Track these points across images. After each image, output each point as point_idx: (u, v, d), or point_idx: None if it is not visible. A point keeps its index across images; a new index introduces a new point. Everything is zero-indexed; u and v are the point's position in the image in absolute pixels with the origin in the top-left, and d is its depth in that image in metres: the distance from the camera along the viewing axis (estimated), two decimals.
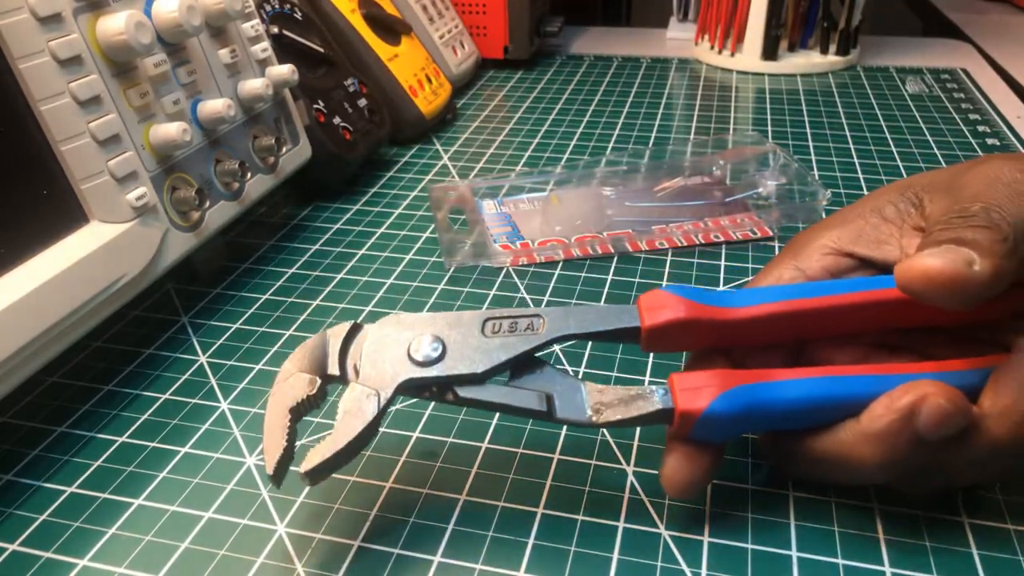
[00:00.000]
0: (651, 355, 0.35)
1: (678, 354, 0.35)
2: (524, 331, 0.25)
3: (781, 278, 0.28)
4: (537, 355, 0.25)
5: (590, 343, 0.35)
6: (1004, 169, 0.24)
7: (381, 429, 0.31)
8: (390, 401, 0.24)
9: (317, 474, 0.24)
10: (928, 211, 0.26)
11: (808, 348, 0.27)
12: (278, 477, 0.24)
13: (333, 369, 0.25)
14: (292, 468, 0.24)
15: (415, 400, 0.32)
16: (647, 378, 0.33)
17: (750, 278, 0.40)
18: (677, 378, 0.24)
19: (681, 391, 0.24)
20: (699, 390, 0.24)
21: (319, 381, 0.25)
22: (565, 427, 0.30)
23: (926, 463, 0.23)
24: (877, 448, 0.22)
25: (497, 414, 0.31)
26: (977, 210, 0.23)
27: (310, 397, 0.25)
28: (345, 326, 0.26)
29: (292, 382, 0.25)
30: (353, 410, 0.24)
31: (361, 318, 0.38)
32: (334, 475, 0.28)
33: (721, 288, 0.39)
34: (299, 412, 0.25)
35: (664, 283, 0.40)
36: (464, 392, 0.25)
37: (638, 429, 0.30)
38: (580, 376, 0.33)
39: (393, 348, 0.25)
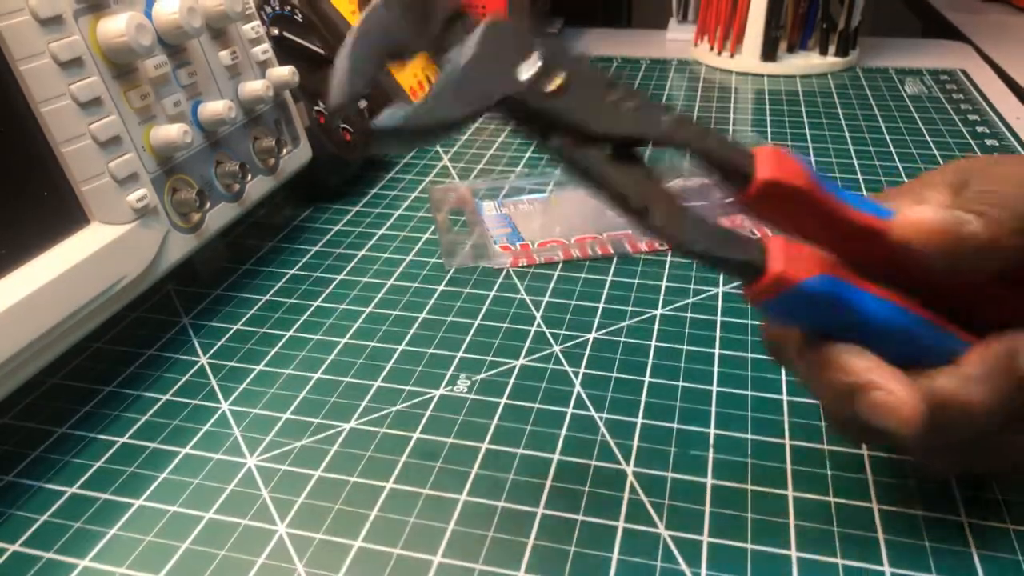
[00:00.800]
0: (653, 348, 0.35)
1: (706, 336, 0.35)
2: (648, 116, 0.22)
3: None
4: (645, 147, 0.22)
5: (591, 340, 0.35)
6: (1012, 166, 0.24)
7: (383, 434, 0.31)
8: (490, 107, 0.21)
9: (390, 137, 0.20)
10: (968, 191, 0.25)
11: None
12: (340, 110, 0.21)
13: (431, 36, 0.21)
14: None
15: (415, 400, 0.32)
16: (647, 378, 0.33)
17: None
18: (779, 240, 0.22)
19: (783, 253, 0.21)
20: (802, 260, 0.21)
21: (417, 36, 0.21)
22: (567, 426, 0.30)
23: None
24: (983, 388, 0.22)
25: (498, 414, 0.31)
26: (996, 191, 0.23)
27: (401, 47, 0.21)
28: (456, 3, 0.22)
29: (386, 20, 0.21)
30: (450, 91, 0.21)
31: (361, 319, 0.38)
32: (334, 475, 0.29)
33: (722, 287, 0.39)
34: (384, 44, 0.21)
35: (664, 283, 0.40)
36: (567, 145, 0.22)
37: (638, 429, 0.30)
38: (579, 378, 0.33)
39: (509, 55, 0.21)
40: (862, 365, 0.22)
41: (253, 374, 0.34)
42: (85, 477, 0.29)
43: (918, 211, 0.22)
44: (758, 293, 0.22)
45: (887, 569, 0.25)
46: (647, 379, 0.33)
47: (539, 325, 0.37)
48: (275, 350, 0.36)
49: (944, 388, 0.22)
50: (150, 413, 0.32)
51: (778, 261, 0.21)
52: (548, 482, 0.28)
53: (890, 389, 0.22)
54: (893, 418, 0.21)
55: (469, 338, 0.36)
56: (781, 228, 0.24)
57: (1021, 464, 0.24)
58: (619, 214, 0.22)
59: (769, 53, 0.74)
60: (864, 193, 0.49)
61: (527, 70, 0.21)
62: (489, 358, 0.35)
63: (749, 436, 0.30)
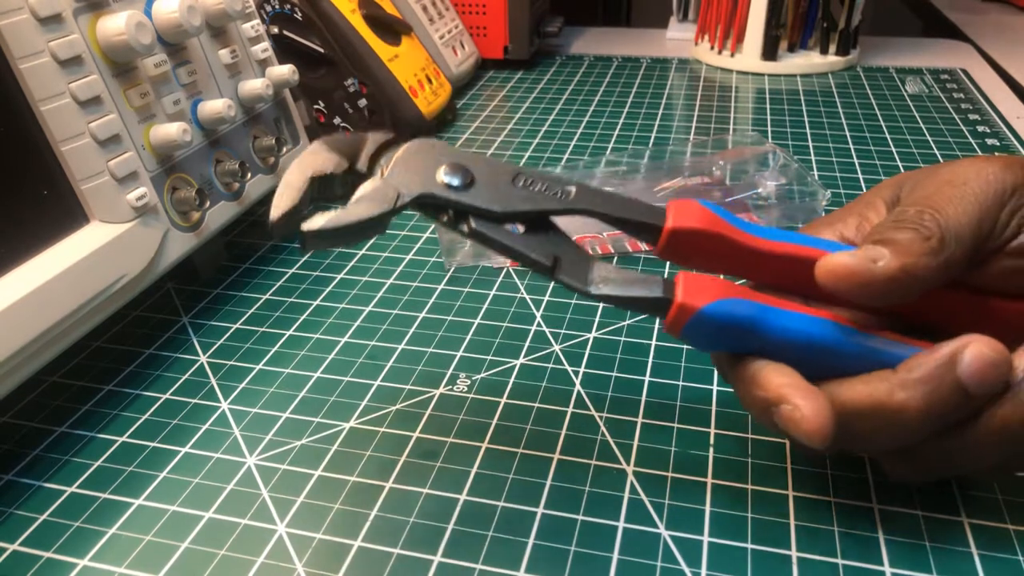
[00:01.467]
0: (653, 347, 0.35)
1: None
2: (552, 193, 0.25)
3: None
4: (556, 219, 0.25)
5: (591, 339, 0.35)
6: (967, 171, 0.24)
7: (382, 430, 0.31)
8: (406, 205, 0.24)
9: (317, 239, 0.23)
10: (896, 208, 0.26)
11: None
12: (278, 228, 0.24)
13: (362, 163, 0.25)
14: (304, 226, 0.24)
15: (415, 400, 0.32)
16: (647, 378, 0.33)
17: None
18: (685, 276, 0.24)
19: (686, 285, 0.24)
20: (704, 290, 0.23)
21: (345, 164, 0.24)
22: (567, 426, 0.30)
23: (949, 443, 0.23)
24: (917, 393, 0.22)
25: (498, 413, 0.31)
26: (912, 214, 0.24)
27: (334, 175, 0.24)
28: (385, 135, 0.26)
29: (320, 156, 0.24)
30: (370, 195, 0.24)
31: (361, 319, 0.38)
32: (334, 475, 0.28)
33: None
34: (320, 184, 0.24)
35: None
36: (478, 226, 0.24)
37: (638, 429, 0.30)
38: (579, 378, 0.33)
39: (424, 165, 0.25)
40: (775, 381, 0.23)
41: (253, 373, 0.34)
42: (85, 476, 0.29)
43: (832, 257, 0.23)
44: (671, 325, 0.24)
45: (887, 569, 0.25)
46: (647, 379, 0.33)
47: (539, 324, 0.37)
48: (275, 349, 0.36)
49: (862, 396, 0.23)
50: (150, 412, 0.32)
51: (682, 292, 0.24)
52: (548, 482, 0.28)
53: (795, 404, 0.22)
54: (800, 431, 0.22)
55: (469, 337, 0.36)
56: (703, 268, 0.26)
57: (1005, 465, 0.24)
58: (537, 273, 0.25)
59: (769, 52, 0.74)
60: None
61: (441, 174, 0.25)
62: (489, 357, 0.35)
63: (749, 436, 0.30)
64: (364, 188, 0.24)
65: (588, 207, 0.25)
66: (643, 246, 0.43)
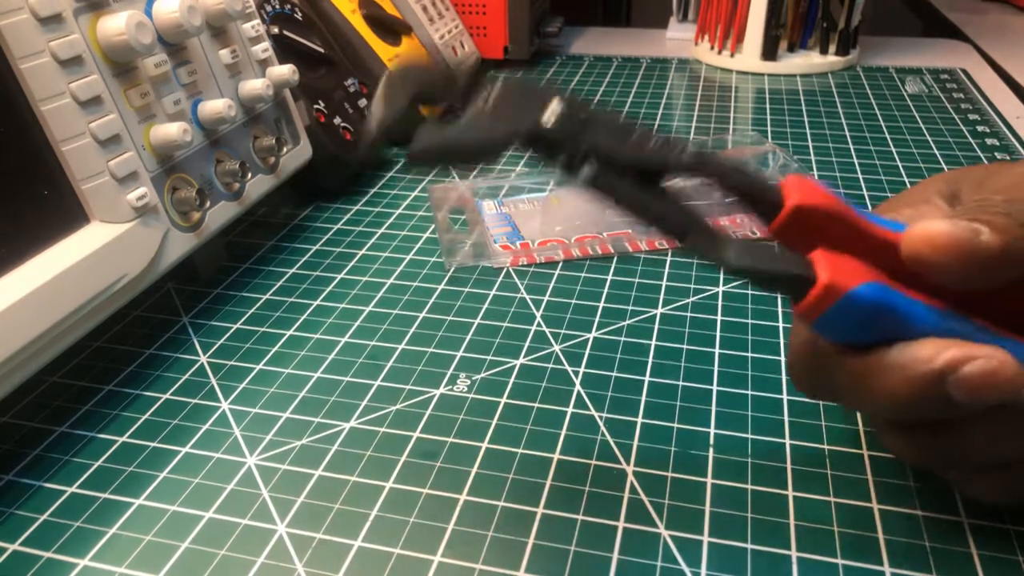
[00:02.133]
0: (653, 347, 0.35)
1: (706, 335, 0.35)
2: (672, 148, 0.22)
3: None
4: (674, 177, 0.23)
5: (591, 340, 0.35)
6: None
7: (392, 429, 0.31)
8: (522, 136, 0.22)
9: (426, 153, 0.21)
10: (961, 202, 0.25)
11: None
12: (381, 135, 0.22)
13: (456, 95, 0.22)
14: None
15: (415, 400, 0.32)
16: (647, 378, 0.33)
17: None
18: (824, 253, 0.22)
19: (830, 265, 0.21)
20: (848, 271, 0.21)
21: (440, 83, 0.22)
22: (567, 426, 0.30)
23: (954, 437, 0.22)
24: (896, 382, 0.21)
25: (498, 413, 0.31)
26: (999, 201, 0.22)
27: (435, 93, 0.22)
28: (473, 69, 0.23)
29: (417, 72, 0.22)
30: (481, 124, 0.22)
31: (361, 319, 0.38)
32: (334, 475, 0.29)
33: (722, 287, 0.39)
34: (416, 91, 0.22)
35: (665, 282, 0.40)
36: (599, 172, 0.22)
37: (638, 429, 0.30)
38: (579, 378, 0.33)
39: (532, 101, 0.22)
40: (938, 346, 0.21)
41: (253, 373, 0.34)
42: (85, 476, 0.29)
43: (930, 225, 0.21)
44: (810, 307, 0.21)
45: (887, 569, 0.25)
46: (647, 378, 0.33)
47: (539, 324, 0.37)
48: (275, 349, 0.36)
49: (871, 362, 0.21)
50: (150, 412, 0.32)
51: (826, 271, 0.21)
52: (548, 482, 0.28)
53: (987, 354, 0.20)
54: (1005, 378, 0.20)
55: (469, 337, 0.36)
56: (813, 241, 0.23)
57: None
58: (660, 236, 0.22)
59: (769, 52, 0.74)
60: (866, 198, 0.49)
61: (550, 114, 0.22)
62: (489, 357, 0.35)
63: (749, 436, 0.30)
64: (472, 117, 0.22)
65: (709, 169, 0.22)
66: (643, 245, 0.43)
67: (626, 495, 0.27)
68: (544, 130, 0.22)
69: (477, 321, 0.37)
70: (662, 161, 0.22)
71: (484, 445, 0.30)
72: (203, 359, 0.35)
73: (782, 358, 0.34)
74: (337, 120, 0.49)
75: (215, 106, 0.37)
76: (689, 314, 0.37)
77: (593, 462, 0.29)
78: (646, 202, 0.22)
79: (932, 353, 0.21)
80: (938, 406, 0.21)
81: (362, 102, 0.53)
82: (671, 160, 0.22)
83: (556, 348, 0.35)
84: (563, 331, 0.37)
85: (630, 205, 0.22)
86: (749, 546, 0.25)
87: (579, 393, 0.32)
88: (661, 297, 0.39)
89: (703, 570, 0.25)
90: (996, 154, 0.55)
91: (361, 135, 0.22)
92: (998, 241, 0.21)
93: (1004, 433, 0.22)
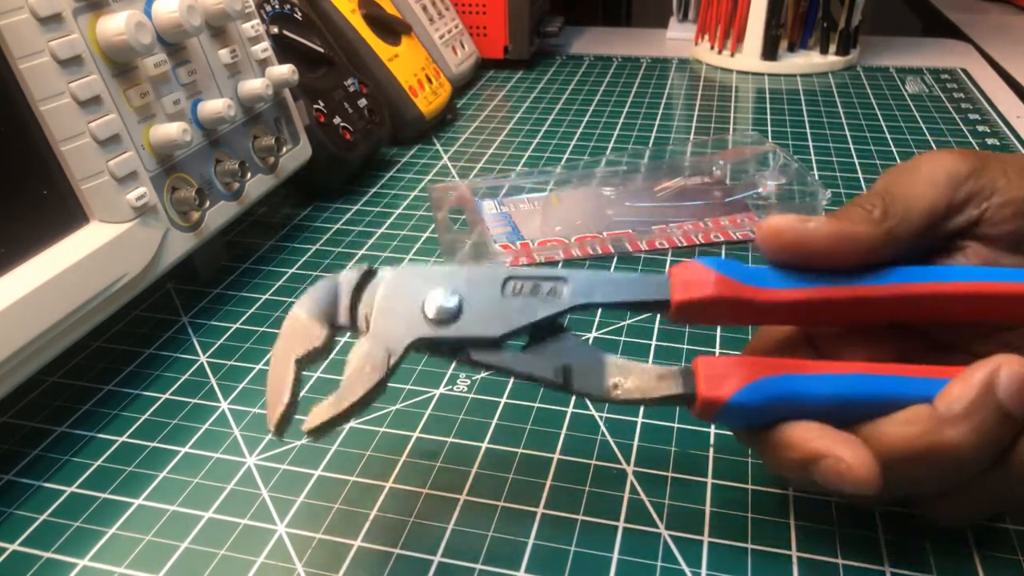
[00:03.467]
0: (653, 347, 0.35)
1: (705, 335, 0.35)
2: (547, 295, 0.24)
3: (780, 331, 0.27)
4: (559, 320, 0.24)
5: (591, 339, 0.35)
6: (923, 160, 0.25)
7: (383, 430, 0.31)
8: (400, 360, 0.23)
9: (320, 432, 0.23)
10: None
11: (850, 337, 0.27)
12: (280, 430, 0.23)
13: (343, 318, 0.24)
14: (297, 416, 0.24)
15: (415, 400, 0.32)
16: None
17: None
18: (702, 363, 0.23)
19: (705, 377, 0.23)
20: (724, 378, 0.23)
21: (327, 331, 0.24)
22: (567, 426, 0.30)
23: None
24: (966, 427, 0.21)
25: (498, 413, 0.31)
26: (863, 197, 0.25)
27: (317, 349, 0.24)
28: (357, 272, 0.25)
29: (300, 331, 0.24)
30: (361, 368, 0.23)
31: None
32: (334, 475, 0.29)
33: None
34: (305, 363, 0.24)
35: None
36: (478, 356, 0.24)
37: (638, 429, 0.30)
38: None
39: (407, 301, 0.24)
40: (807, 437, 0.22)
41: (252, 373, 0.34)
42: (84, 476, 0.29)
43: (769, 219, 0.24)
44: (699, 415, 0.24)
45: (887, 569, 0.25)
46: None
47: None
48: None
49: (910, 438, 0.21)
50: (149, 412, 0.32)
51: (703, 385, 0.23)
52: (548, 482, 0.28)
53: (836, 455, 0.21)
54: (849, 480, 0.21)
55: None
56: (720, 324, 0.27)
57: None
58: (551, 390, 0.24)
59: (770, 52, 0.74)
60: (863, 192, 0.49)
61: (427, 307, 0.24)
62: None
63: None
64: (353, 357, 0.23)
65: (586, 301, 0.24)
66: (643, 244, 0.43)
67: (626, 495, 0.27)
68: (419, 343, 0.24)
69: None
70: (541, 316, 0.24)
71: (484, 445, 0.30)
72: (203, 359, 0.35)
73: None
74: (337, 120, 0.49)
75: (215, 106, 0.37)
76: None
77: (593, 462, 0.29)
78: (522, 368, 0.24)
79: (799, 441, 0.22)
80: (816, 487, 0.22)
81: (362, 102, 0.53)
82: (550, 308, 0.24)
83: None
84: None
85: (509, 375, 0.24)
86: (749, 546, 0.25)
87: None
88: None
89: (703, 570, 0.25)
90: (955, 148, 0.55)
91: (274, 422, 0.24)
92: (826, 230, 0.23)
93: (913, 479, 0.23)
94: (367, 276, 0.25)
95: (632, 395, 0.24)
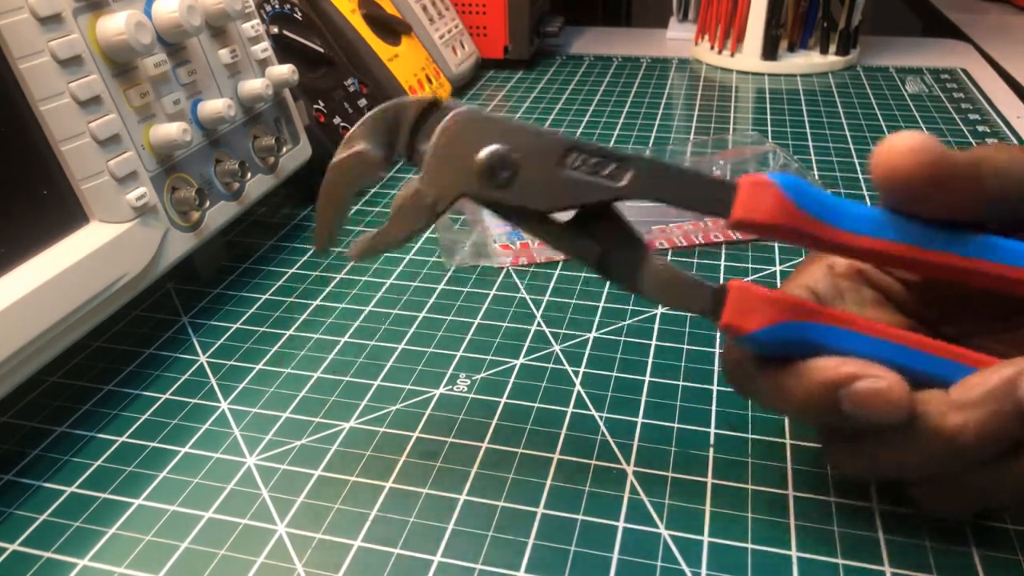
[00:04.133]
0: (653, 347, 0.35)
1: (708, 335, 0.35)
2: (606, 176, 0.23)
3: (813, 279, 0.26)
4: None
5: (591, 339, 0.35)
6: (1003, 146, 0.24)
7: (380, 430, 0.31)
8: (446, 209, 0.24)
9: (363, 256, 0.25)
10: None
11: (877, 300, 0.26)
12: (324, 248, 0.25)
13: (401, 147, 0.24)
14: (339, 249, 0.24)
15: (415, 400, 0.32)
16: (647, 378, 0.33)
17: (751, 278, 0.40)
18: (735, 288, 0.23)
19: (734, 303, 0.22)
20: (752, 311, 0.22)
21: (382, 158, 0.24)
22: (567, 426, 0.30)
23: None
24: (973, 416, 0.20)
25: (498, 413, 0.31)
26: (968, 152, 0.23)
27: (372, 172, 0.24)
28: (423, 102, 0.24)
29: (358, 155, 0.24)
30: (407, 209, 0.24)
31: (361, 318, 0.38)
32: (334, 475, 0.29)
33: None
34: (358, 185, 0.25)
35: None
36: (521, 219, 0.24)
37: (638, 429, 0.30)
38: (579, 378, 0.33)
39: (464, 149, 0.23)
40: (834, 362, 0.22)
41: (252, 373, 0.34)
42: (84, 476, 0.29)
43: (897, 135, 0.21)
44: (723, 332, 0.23)
45: (887, 569, 0.25)
46: (647, 378, 0.33)
47: (539, 324, 0.37)
48: (275, 349, 0.36)
49: (928, 415, 0.21)
50: (149, 412, 0.32)
51: (728, 312, 0.23)
52: (548, 482, 0.28)
53: (876, 374, 0.21)
54: (883, 404, 0.21)
55: (469, 337, 0.36)
56: (777, 241, 0.24)
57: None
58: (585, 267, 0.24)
59: (770, 52, 0.74)
60: (866, 199, 0.49)
61: (482, 163, 0.23)
62: (489, 357, 0.35)
63: (749, 436, 0.30)
64: (401, 197, 0.24)
65: (644, 193, 0.23)
66: (653, 243, 0.43)
67: (626, 495, 0.27)
68: (466, 197, 0.24)
69: (477, 321, 0.37)
70: (592, 198, 0.23)
71: (484, 445, 0.30)
72: (203, 359, 0.35)
73: None
74: (337, 120, 0.49)
75: (215, 106, 0.37)
76: (689, 314, 0.37)
77: (593, 462, 0.29)
78: (565, 244, 0.24)
79: (831, 366, 0.22)
80: (833, 416, 0.22)
81: (362, 102, 0.53)
82: (604, 193, 0.23)
83: (556, 348, 0.35)
84: (563, 331, 0.37)
85: (547, 243, 0.24)
86: (749, 546, 0.25)
87: (579, 393, 0.32)
88: None
89: (703, 570, 0.25)
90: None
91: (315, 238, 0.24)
92: (966, 157, 0.21)
93: (905, 453, 0.22)
94: (431, 108, 0.24)
95: (656, 296, 0.23)
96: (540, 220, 0.24)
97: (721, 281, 0.40)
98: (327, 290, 0.40)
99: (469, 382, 0.33)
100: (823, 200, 0.22)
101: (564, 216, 0.24)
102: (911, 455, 0.22)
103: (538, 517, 0.27)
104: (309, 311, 0.39)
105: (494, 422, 0.31)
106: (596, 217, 0.24)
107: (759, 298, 0.22)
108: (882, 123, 0.61)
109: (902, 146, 0.21)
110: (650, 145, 0.58)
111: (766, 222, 0.22)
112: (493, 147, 0.23)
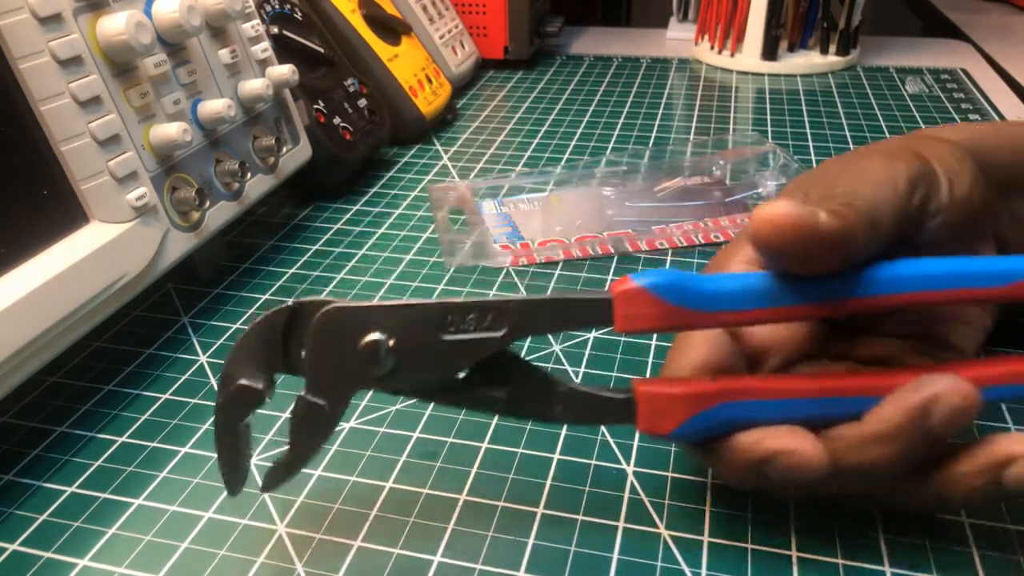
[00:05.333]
0: (653, 347, 0.35)
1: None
2: (486, 329, 0.23)
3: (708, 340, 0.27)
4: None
5: (591, 339, 0.35)
6: (873, 163, 0.25)
7: (382, 430, 0.31)
8: (343, 411, 0.24)
9: (276, 488, 0.24)
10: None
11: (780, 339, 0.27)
12: (234, 490, 0.24)
13: (278, 365, 0.23)
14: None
15: (413, 400, 0.32)
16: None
17: None
18: (642, 392, 0.23)
19: (643, 411, 0.23)
20: (662, 415, 0.23)
21: (262, 385, 0.23)
22: (565, 427, 0.30)
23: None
24: (888, 449, 0.22)
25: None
26: (840, 192, 0.24)
27: (257, 401, 0.23)
28: (283, 312, 0.23)
29: (239, 391, 0.23)
30: (305, 428, 0.23)
31: None
32: (334, 475, 0.29)
33: None
34: (246, 416, 0.24)
35: None
36: (421, 396, 0.24)
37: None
38: (579, 378, 0.33)
39: (341, 347, 0.23)
40: (757, 438, 0.23)
41: None
42: (84, 476, 0.29)
43: (773, 204, 0.22)
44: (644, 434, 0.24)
45: (887, 569, 0.25)
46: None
47: None
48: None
49: (847, 448, 0.22)
50: (149, 412, 0.32)
51: (642, 419, 0.23)
52: (548, 482, 0.28)
53: (792, 449, 0.22)
54: (805, 466, 0.22)
55: None
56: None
57: (942, 507, 0.25)
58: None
59: (770, 52, 0.74)
60: None
61: (363, 354, 0.23)
62: None
63: None
64: (295, 416, 0.23)
65: (527, 331, 0.23)
66: (643, 244, 0.43)
67: (626, 495, 0.27)
68: (360, 392, 0.24)
69: None
70: (480, 355, 0.23)
71: (484, 445, 0.30)
72: (203, 359, 0.35)
73: None
74: (337, 120, 0.49)
75: (215, 106, 0.37)
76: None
77: (593, 462, 0.29)
78: (468, 401, 0.24)
79: (750, 446, 0.23)
80: (766, 482, 0.23)
81: (362, 102, 0.53)
82: (490, 347, 0.23)
83: (556, 348, 0.35)
84: (563, 331, 0.37)
85: (460, 406, 0.24)
86: (749, 546, 0.25)
87: None
88: None
89: (703, 570, 0.25)
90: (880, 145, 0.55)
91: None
92: (836, 223, 0.22)
93: (831, 487, 0.24)
94: (297, 313, 0.23)
95: (574, 420, 0.25)
96: (437, 387, 0.24)
97: None
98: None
99: None
100: (697, 289, 0.23)
101: (460, 374, 0.24)
102: (837, 487, 0.24)
103: (538, 517, 0.27)
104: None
105: (494, 422, 0.31)
106: (492, 363, 0.23)
107: (667, 399, 0.23)
108: (882, 123, 0.61)
109: (765, 220, 0.22)
110: (650, 145, 0.58)
111: (649, 327, 0.23)
112: (370, 338, 0.23)
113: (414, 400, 0.32)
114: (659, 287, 0.22)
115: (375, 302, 0.23)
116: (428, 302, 0.23)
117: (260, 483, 0.24)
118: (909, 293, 0.23)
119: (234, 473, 0.24)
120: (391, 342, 0.23)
